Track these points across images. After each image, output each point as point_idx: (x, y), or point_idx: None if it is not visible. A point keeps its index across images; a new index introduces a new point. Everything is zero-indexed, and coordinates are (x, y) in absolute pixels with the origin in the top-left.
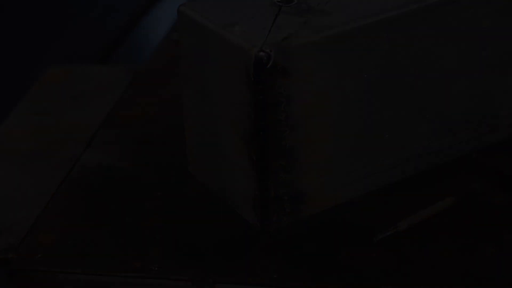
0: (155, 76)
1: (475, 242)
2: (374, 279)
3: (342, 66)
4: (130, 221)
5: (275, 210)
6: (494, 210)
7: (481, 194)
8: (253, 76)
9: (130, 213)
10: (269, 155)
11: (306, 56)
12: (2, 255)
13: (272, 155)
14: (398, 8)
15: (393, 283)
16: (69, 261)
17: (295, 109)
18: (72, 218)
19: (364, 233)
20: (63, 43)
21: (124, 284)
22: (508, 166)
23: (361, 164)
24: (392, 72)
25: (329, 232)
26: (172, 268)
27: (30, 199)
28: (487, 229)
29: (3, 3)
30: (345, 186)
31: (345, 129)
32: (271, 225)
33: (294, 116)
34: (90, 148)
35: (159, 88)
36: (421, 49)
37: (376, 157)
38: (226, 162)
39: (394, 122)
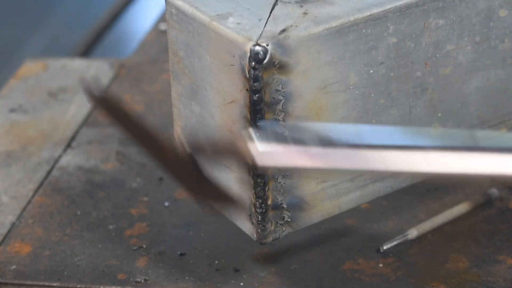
0: (141, 70)
1: (492, 252)
2: None
3: (345, 61)
4: (114, 229)
5: (273, 219)
6: None
7: (498, 199)
8: (249, 73)
9: (113, 220)
10: None
11: (306, 50)
12: None
13: None
14: None
15: None
16: (46, 274)
17: (294, 108)
18: (49, 226)
19: (370, 241)
20: (40, 34)
21: None
22: None
23: None
24: (400, 68)
25: (331, 241)
26: (160, 280)
27: (4, 205)
28: (505, 237)
29: None
30: (350, 192)
31: None
32: (268, 235)
33: (293, 116)
34: (70, 149)
35: (146, 83)
36: (433, 42)
37: None
38: (219, 166)
39: (403, 122)
